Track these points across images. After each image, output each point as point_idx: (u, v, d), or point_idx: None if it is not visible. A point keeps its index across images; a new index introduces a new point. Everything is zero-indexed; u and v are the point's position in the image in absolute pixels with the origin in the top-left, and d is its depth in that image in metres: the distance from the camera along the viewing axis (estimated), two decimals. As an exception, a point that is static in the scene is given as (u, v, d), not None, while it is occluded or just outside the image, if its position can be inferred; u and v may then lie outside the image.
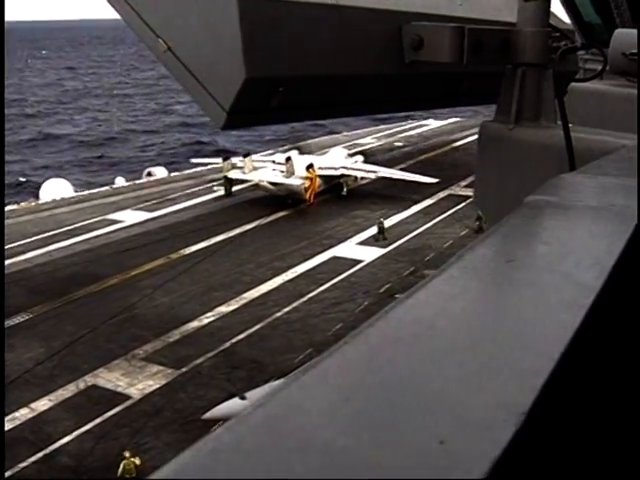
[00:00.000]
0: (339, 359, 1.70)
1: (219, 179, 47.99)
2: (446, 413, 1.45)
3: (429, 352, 1.76)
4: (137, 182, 52.75)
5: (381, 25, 6.65)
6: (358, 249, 36.96)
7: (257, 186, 45.14)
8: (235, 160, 48.38)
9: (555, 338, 1.81)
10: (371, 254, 36.12)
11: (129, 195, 47.42)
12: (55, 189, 50.12)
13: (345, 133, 71.23)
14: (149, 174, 55.51)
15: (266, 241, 37.94)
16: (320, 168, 45.45)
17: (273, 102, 6.16)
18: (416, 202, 44.28)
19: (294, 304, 30.43)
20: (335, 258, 35.79)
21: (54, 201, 46.35)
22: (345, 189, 46.43)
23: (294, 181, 43.46)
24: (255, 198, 45.07)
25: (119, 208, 44.06)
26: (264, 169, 46.75)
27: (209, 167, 53.23)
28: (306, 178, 43.55)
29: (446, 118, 78.83)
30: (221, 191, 47.13)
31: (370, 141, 66.16)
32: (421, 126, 75.19)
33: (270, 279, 33.10)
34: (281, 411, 1.46)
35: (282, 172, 44.47)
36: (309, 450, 1.32)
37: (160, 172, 56.04)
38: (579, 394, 1.98)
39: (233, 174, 46.46)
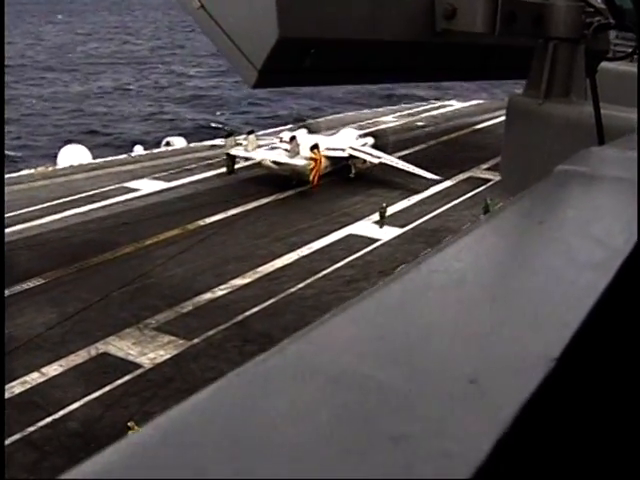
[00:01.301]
0: (373, 302, 1.73)
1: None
2: (477, 356, 1.47)
3: (460, 300, 1.78)
4: (155, 151, 52.82)
5: None
6: (375, 228, 36.95)
7: (260, 165, 44.43)
8: (240, 138, 47.45)
9: (584, 294, 1.83)
10: (388, 233, 36.11)
11: (147, 164, 47.39)
12: (73, 155, 50.21)
13: (366, 111, 70.94)
14: (168, 143, 55.58)
15: (283, 216, 37.98)
16: (327, 149, 44.63)
17: (305, 63, 6.18)
18: (436, 184, 43.94)
19: (308, 280, 30.42)
20: (351, 236, 35.78)
21: (71, 167, 46.49)
22: (353, 171, 45.44)
23: (298, 161, 42.57)
24: (258, 177, 44.52)
25: (136, 176, 44.09)
26: (268, 147, 46.18)
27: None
28: (310, 159, 42.67)
29: (469, 100, 78.45)
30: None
31: (391, 119, 65.92)
32: (444, 106, 74.77)
33: (285, 254, 33.18)
34: (315, 347, 1.50)
35: (287, 151, 43.46)
36: (344, 382, 1.34)
37: (179, 142, 56.10)
38: (606, 349, 2.00)
39: (235, 151, 45.57)
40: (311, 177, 42.74)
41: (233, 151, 45.61)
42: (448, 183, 44.83)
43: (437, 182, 43.48)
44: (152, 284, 29.47)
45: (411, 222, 37.91)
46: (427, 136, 58.58)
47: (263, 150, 45.61)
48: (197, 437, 1.21)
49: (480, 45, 7.54)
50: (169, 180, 43.93)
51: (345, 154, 45.50)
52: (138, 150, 53.96)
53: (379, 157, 45.47)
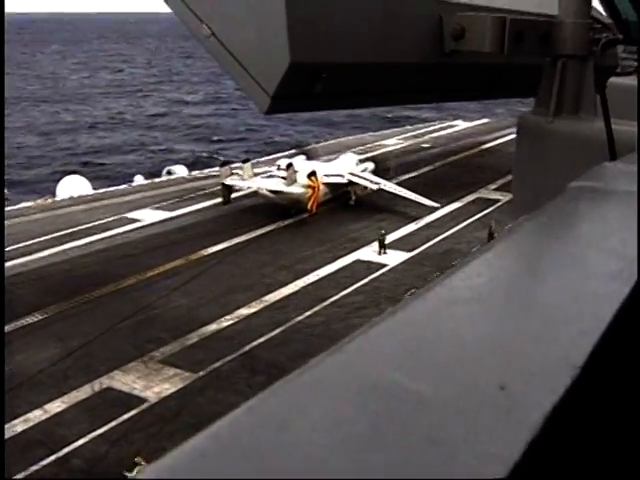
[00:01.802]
0: (402, 317, 1.82)
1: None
2: (504, 364, 1.57)
3: (486, 312, 1.90)
4: (156, 180, 53.08)
5: (423, 15, 6.72)
6: (384, 251, 36.99)
7: (257, 193, 44.43)
8: (236, 166, 47.70)
9: (604, 304, 1.93)
10: (395, 258, 36.23)
11: (147, 194, 47.74)
12: (72, 186, 50.44)
13: (369, 134, 71.19)
14: (169, 172, 55.79)
15: (286, 244, 38.13)
16: (326, 175, 44.71)
17: (317, 88, 6.27)
18: (443, 206, 44.01)
19: (316, 308, 30.55)
20: (357, 262, 35.91)
21: (71, 199, 46.74)
22: (353, 198, 45.42)
23: (296, 189, 42.49)
24: (256, 206, 44.48)
25: (137, 207, 44.44)
26: (265, 175, 46.24)
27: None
28: (308, 186, 42.60)
29: (473, 120, 78.78)
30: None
31: (395, 142, 66.17)
32: (450, 127, 75.11)
33: (291, 282, 33.31)
34: (349, 360, 1.58)
35: (284, 179, 43.34)
36: (380, 392, 1.43)
37: (180, 170, 56.32)
38: (627, 357, 2.07)
39: (231, 181, 45.57)
40: (309, 205, 42.61)
41: (229, 181, 45.58)
42: (456, 205, 44.87)
43: (436, 209, 43.21)
44: (156, 316, 29.55)
45: (418, 246, 38.00)
46: (433, 158, 58.74)
47: (259, 178, 45.57)
48: (237, 456, 1.26)
49: (488, 64, 7.65)
50: (170, 210, 44.17)
51: (344, 180, 45.53)
52: (139, 180, 54.20)
53: (378, 183, 45.35)
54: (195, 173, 55.23)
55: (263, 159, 57.39)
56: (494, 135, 66.21)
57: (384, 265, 35.33)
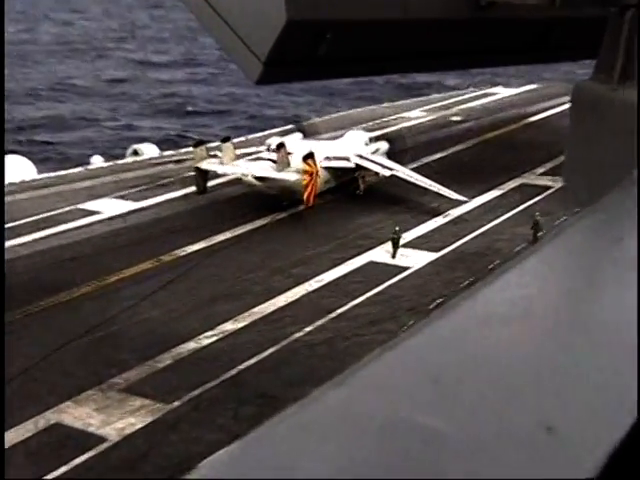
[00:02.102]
0: (426, 336, 1.81)
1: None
2: (553, 399, 1.54)
3: (527, 335, 1.87)
4: (119, 162, 53.01)
5: None
6: (402, 252, 36.93)
7: (241, 181, 44.16)
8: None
9: None
10: (418, 260, 36.17)
11: (108, 179, 47.51)
12: (12, 169, 50.05)
13: (386, 104, 71.09)
14: (135, 153, 55.66)
15: (281, 242, 38.11)
16: (327, 158, 44.55)
17: (319, 51, 6.25)
18: (472, 197, 43.72)
19: (319, 322, 30.36)
20: (372, 264, 35.82)
21: (11, 185, 46.42)
22: (362, 187, 45.27)
23: (288, 175, 42.14)
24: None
25: (96, 195, 44.41)
26: (250, 158, 46.18)
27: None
28: (304, 172, 42.06)
29: (518, 86, 78.69)
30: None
31: (419, 114, 66.08)
32: (486, 95, 75.01)
33: (288, 289, 33.18)
34: (359, 391, 1.56)
35: (274, 162, 43.04)
36: (395, 432, 1.39)
37: (149, 150, 56.21)
38: None
39: (208, 165, 45.20)
40: (305, 195, 42.14)
41: (205, 164, 45.16)
42: (494, 193, 44.83)
43: (462, 203, 42.75)
44: (119, 332, 29.33)
45: (448, 244, 37.94)
46: (466, 134, 58.65)
47: (243, 162, 45.34)
48: None
49: (534, 20, 7.57)
50: (136, 200, 43.94)
51: (350, 164, 45.21)
52: (96, 162, 54.10)
53: (391, 169, 45.04)
54: (169, 153, 55.12)
55: (249, 137, 57.31)
56: (542, 105, 66.15)
57: (404, 268, 35.27)
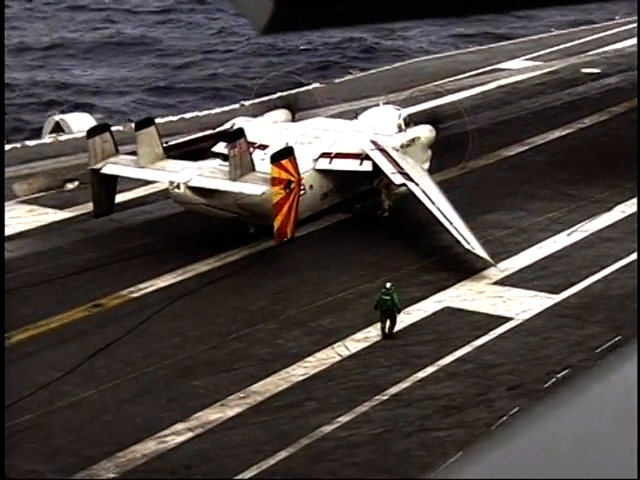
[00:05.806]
0: (530, 437, 1.98)
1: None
2: None
3: None
4: (28, 144, 41.91)
5: None
6: (497, 292, 28.29)
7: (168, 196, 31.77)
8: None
9: None
10: (527, 305, 28.23)
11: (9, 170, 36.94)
12: None
13: (471, 48, 58.24)
14: (58, 127, 43.29)
15: (298, 275, 28.87)
16: (324, 156, 32.24)
17: None
18: (616, 204, 34.48)
19: (359, 408, 22.80)
20: (448, 311, 27.29)
21: None
22: (386, 204, 33.27)
23: (249, 187, 29.41)
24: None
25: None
26: (185, 156, 33.00)
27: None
28: (276, 181, 29.30)
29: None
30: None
31: (523, 65, 53.12)
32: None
33: (309, 353, 25.01)
34: None
35: (225, 160, 30.37)
36: None
37: (78, 121, 43.28)
38: None
39: (112, 168, 32.19)
40: (276, 221, 29.24)
41: (108, 167, 32.00)
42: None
43: (491, 265, 30.77)
44: (31, 426, 22.19)
45: (574, 281, 29.49)
46: (606, 97, 45.45)
47: (176, 162, 31.95)
48: None
49: None
50: (62, 208, 34.23)
51: (366, 166, 32.55)
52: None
53: (409, 178, 32.21)
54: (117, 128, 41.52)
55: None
56: None
57: (504, 319, 27.37)
